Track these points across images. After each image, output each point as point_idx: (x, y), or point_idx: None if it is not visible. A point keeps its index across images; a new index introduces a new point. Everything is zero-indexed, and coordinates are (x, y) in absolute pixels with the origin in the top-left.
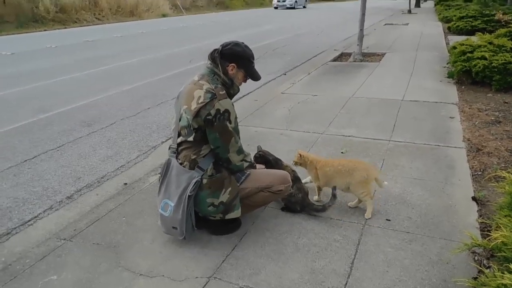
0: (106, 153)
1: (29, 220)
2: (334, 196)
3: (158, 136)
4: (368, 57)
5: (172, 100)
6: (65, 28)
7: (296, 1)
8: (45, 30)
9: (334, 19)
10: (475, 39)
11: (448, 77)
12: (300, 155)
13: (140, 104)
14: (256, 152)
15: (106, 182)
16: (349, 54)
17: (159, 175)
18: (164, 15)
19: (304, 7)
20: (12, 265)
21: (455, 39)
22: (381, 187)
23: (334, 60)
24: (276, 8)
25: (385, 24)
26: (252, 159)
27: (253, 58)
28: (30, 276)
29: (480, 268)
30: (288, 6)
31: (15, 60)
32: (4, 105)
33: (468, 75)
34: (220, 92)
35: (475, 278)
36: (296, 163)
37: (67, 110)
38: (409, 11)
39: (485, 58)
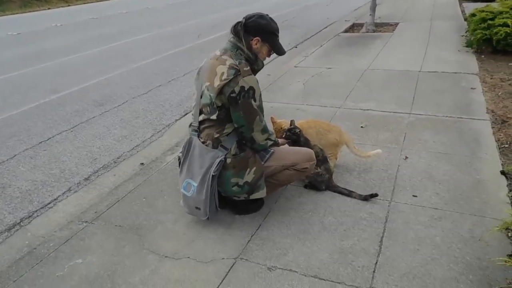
0: (120, 133)
1: (49, 203)
2: (365, 198)
3: (171, 114)
4: (381, 27)
5: (183, 76)
6: (68, 5)
7: None
8: (48, 9)
9: None
10: (496, 5)
11: (466, 46)
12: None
13: (150, 82)
14: (289, 126)
15: (122, 162)
16: (361, 25)
17: (180, 154)
18: None
19: None
20: (37, 248)
21: (471, 6)
22: (356, 154)
23: (346, 31)
24: None
25: None
26: (283, 133)
27: (278, 32)
28: (56, 259)
29: None
30: None
31: (22, 40)
32: (15, 87)
33: (489, 43)
34: (244, 68)
35: (510, 256)
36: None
37: (78, 90)
38: None
39: (507, 25)
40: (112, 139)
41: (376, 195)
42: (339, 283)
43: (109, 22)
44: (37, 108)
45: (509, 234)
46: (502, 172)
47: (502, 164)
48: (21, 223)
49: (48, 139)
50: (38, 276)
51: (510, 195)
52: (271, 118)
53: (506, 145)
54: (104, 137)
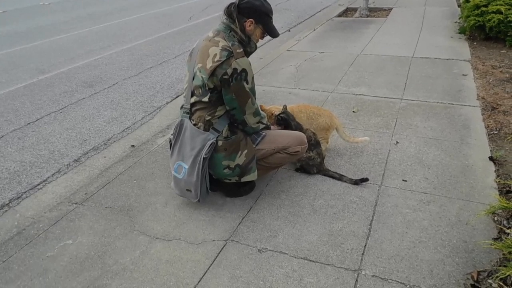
0: (110, 114)
1: (38, 184)
2: (356, 183)
3: (162, 97)
4: (375, 12)
5: (174, 58)
6: None
7: None
8: None
9: None
10: None
11: (459, 33)
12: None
13: (141, 64)
14: (281, 110)
15: (113, 144)
16: (355, 9)
17: (171, 136)
18: None
19: None
20: (26, 229)
21: None
22: (344, 139)
23: (339, 15)
24: None
25: None
26: (274, 118)
27: (272, 13)
28: (45, 240)
29: (501, 227)
30: None
31: (8, 19)
32: (1, 66)
33: (481, 30)
34: (237, 50)
35: (495, 239)
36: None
37: (67, 71)
38: None
39: (501, 12)
40: (102, 121)
41: (366, 179)
42: (328, 264)
43: (99, 2)
44: (25, 89)
45: (495, 218)
46: (491, 158)
47: (490, 150)
48: (10, 204)
49: (36, 120)
50: (28, 256)
51: (497, 180)
52: (260, 106)
53: (495, 132)
54: (94, 118)
